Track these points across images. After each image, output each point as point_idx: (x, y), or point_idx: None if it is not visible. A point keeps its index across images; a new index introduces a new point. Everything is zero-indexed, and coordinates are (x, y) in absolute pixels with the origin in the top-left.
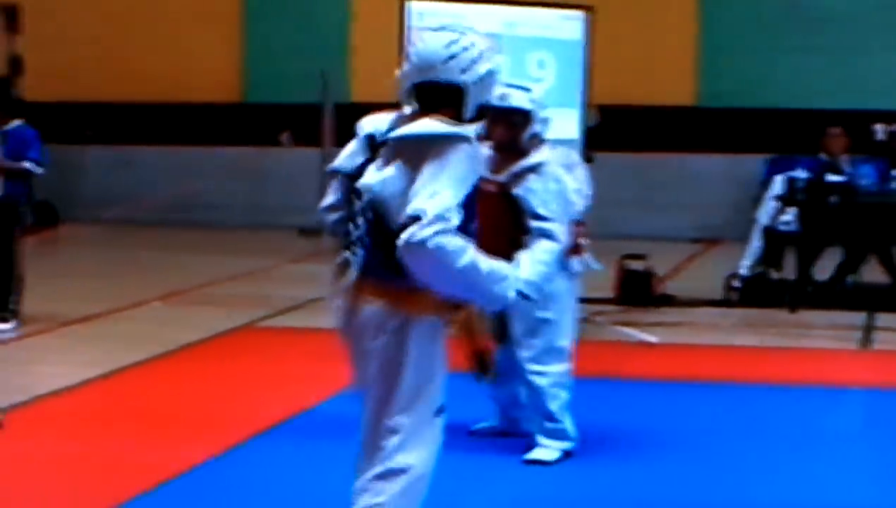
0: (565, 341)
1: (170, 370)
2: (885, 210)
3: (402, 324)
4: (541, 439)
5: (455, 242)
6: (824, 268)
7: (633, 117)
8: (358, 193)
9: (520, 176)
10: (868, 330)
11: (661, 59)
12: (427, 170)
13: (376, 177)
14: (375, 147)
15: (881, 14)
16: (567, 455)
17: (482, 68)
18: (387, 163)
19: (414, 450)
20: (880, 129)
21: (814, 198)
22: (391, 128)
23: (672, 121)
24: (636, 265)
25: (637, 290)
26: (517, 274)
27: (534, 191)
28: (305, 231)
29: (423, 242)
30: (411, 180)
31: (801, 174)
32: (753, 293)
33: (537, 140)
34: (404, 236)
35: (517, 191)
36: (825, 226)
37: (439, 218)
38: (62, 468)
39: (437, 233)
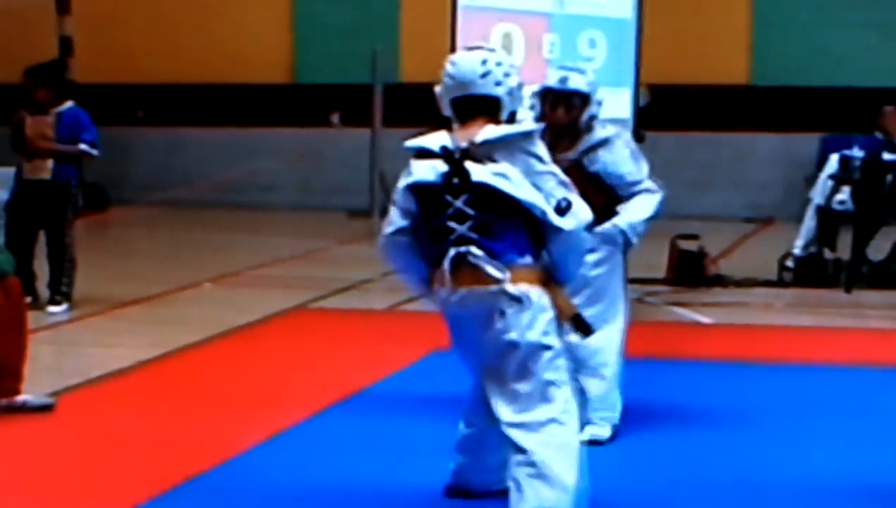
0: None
1: (223, 351)
2: None
3: (525, 297)
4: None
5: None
6: (879, 248)
7: (685, 96)
8: (455, 194)
9: (588, 153)
10: None
11: (714, 38)
12: (532, 161)
13: (486, 174)
14: (454, 156)
15: None
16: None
17: (513, 81)
18: (484, 163)
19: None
20: None
21: (869, 177)
22: (456, 141)
23: (725, 100)
24: (689, 245)
25: (690, 270)
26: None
27: (614, 163)
28: (355, 212)
29: (582, 226)
30: (515, 172)
31: (856, 153)
32: (807, 273)
33: (594, 121)
34: (569, 221)
35: (594, 169)
36: (880, 204)
37: (578, 199)
38: (117, 450)
39: (584, 215)
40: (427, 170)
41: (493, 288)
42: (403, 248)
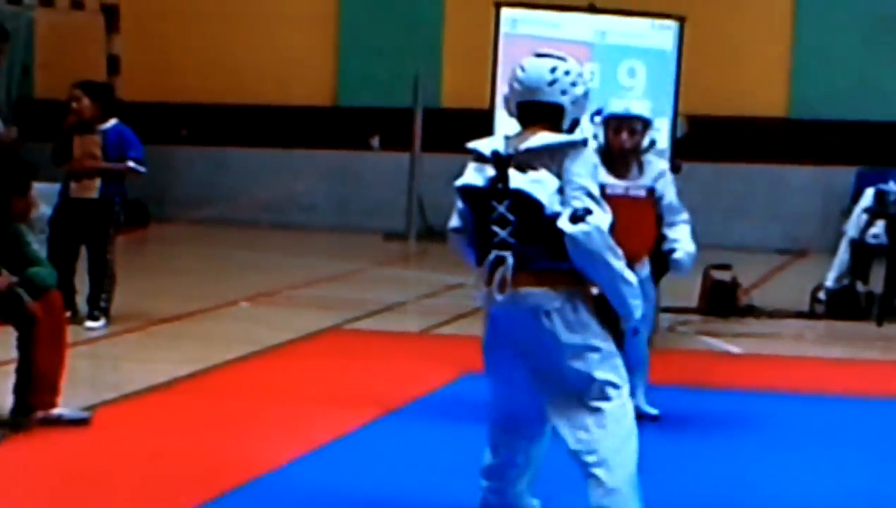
0: None
1: (258, 369)
2: None
3: (564, 302)
4: None
5: (611, 247)
6: None
7: (722, 127)
8: (499, 199)
9: (658, 180)
10: None
11: (753, 69)
12: (570, 172)
13: (523, 181)
14: (502, 161)
15: None
16: None
17: (579, 91)
18: (525, 170)
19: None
20: None
21: None
22: (508, 145)
23: (763, 131)
24: (722, 275)
25: (722, 300)
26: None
27: (668, 192)
28: (390, 235)
29: (593, 231)
30: (553, 181)
31: (892, 187)
32: (839, 305)
33: (653, 147)
34: (578, 227)
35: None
36: None
37: (600, 212)
38: (151, 464)
39: (599, 224)
40: (476, 174)
41: (536, 290)
42: (461, 244)
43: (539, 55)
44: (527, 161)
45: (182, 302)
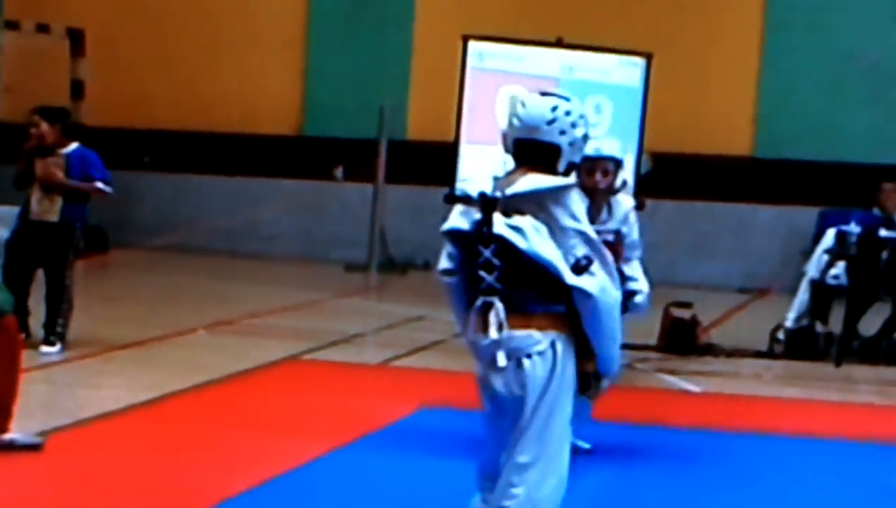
0: None
1: (213, 398)
2: None
3: (550, 345)
4: None
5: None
6: (871, 323)
7: (687, 165)
8: (485, 243)
9: (625, 222)
10: None
11: (719, 108)
12: (561, 218)
13: (506, 229)
14: (488, 204)
15: None
16: None
17: (578, 133)
18: (510, 215)
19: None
20: None
21: (865, 253)
22: (496, 187)
23: (727, 170)
24: (682, 313)
25: (682, 338)
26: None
27: (632, 230)
28: (351, 266)
29: (604, 288)
30: (544, 228)
31: (853, 228)
32: (798, 345)
33: (625, 186)
34: (586, 281)
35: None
36: (875, 280)
37: (601, 257)
38: (103, 491)
39: (604, 283)
40: (462, 218)
41: (519, 333)
42: (449, 288)
43: (543, 93)
44: (514, 205)
45: (140, 329)
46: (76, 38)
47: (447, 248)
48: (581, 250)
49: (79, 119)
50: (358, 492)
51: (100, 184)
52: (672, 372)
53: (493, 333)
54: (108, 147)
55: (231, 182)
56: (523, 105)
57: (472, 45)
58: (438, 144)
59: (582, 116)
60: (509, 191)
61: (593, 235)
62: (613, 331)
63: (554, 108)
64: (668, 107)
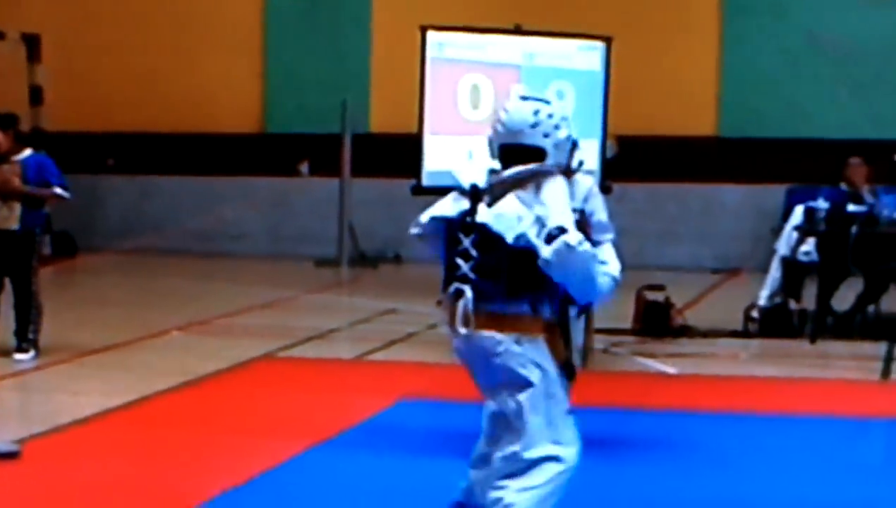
0: None
1: (190, 399)
2: None
3: (515, 344)
4: None
5: (590, 248)
6: (844, 299)
7: (652, 148)
8: (466, 232)
9: (587, 200)
10: (889, 360)
11: (683, 90)
12: (546, 196)
13: (489, 215)
14: (476, 194)
15: None
16: None
17: (561, 134)
18: (493, 203)
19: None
20: None
21: (834, 229)
22: (489, 181)
23: (693, 151)
24: (655, 296)
25: (656, 321)
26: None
27: (596, 210)
28: (322, 262)
29: (573, 247)
30: (524, 207)
31: (821, 204)
32: (772, 324)
33: (581, 166)
34: (556, 244)
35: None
36: (845, 256)
37: (576, 230)
38: (84, 497)
39: (580, 242)
40: (454, 204)
41: (486, 333)
42: (428, 246)
43: (523, 98)
44: (500, 193)
45: (112, 333)
46: (32, 44)
47: (428, 227)
48: (553, 223)
49: (39, 124)
50: (340, 489)
51: (58, 190)
52: (648, 355)
53: (460, 328)
54: (71, 151)
55: (196, 182)
56: (506, 111)
57: (430, 35)
58: (402, 136)
59: (564, 118)
60: (496, 179)
61: (569, 215)
62: (592, 287)
63: (536, 112)
64: (631, 91)
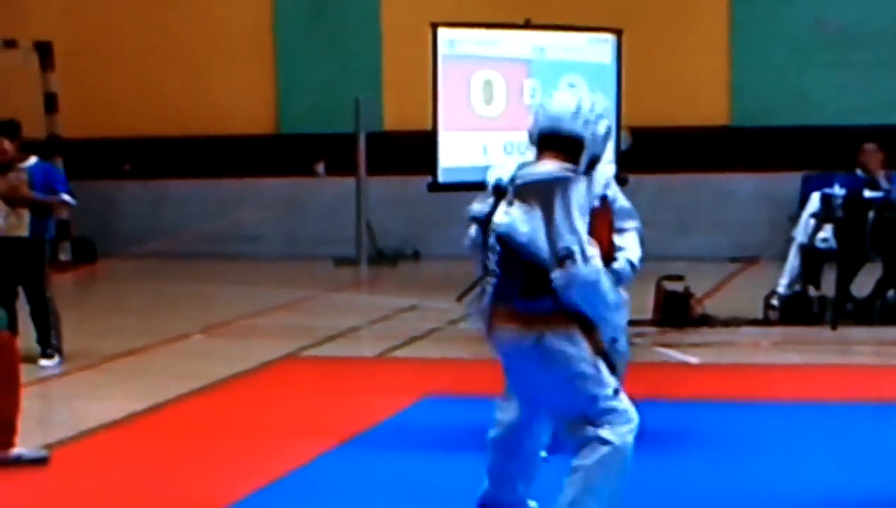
0: None
1: (215, 402)
2: None
3: (535, 341)
4: None
5: (600, 272)
6: (863, 285)
7: (666, 139)
8: (491, 231)
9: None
10: None
11: (693, 80)
12: (559, 208)
13: (503, 217)
14: (500, 192)
15: None
16: None
17: (601, 127)
18: (511, 204)
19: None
20: None
21: (851, 215)
22: (515, 175)
23: (706, 141)
24: (675, 286)
25: (676, 311)
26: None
27: (617, 197)
28: (340, 261)
29: (577, 275)
30: (538, 217)
31: (837, 191)
32: (793, 311)
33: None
34: (562, 270)
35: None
36: (863, 242)
37: (584, 252)
38: (111, 502)
39: (587, 265)
40: (486, 203)
41: (508, 326)
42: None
43: (571, 86)
44: (522, 194)
45: (135, 338)
46: (44, 52)
47: (473, 234)
48: (563, 241)
49: (55, 131)
50: (367, 488)
51: (65, 197)
52: (669, 346)
53: (482, 324)
54: (87, 158)
55: (212, 185)
56: (550, 98)
57: (441, 32)
58: (416, 134)
59: (608, 109)
60: (519, 181)
61: (581, 226)
62: (600, 303)
63: (578, 101)
64: (643, 83)
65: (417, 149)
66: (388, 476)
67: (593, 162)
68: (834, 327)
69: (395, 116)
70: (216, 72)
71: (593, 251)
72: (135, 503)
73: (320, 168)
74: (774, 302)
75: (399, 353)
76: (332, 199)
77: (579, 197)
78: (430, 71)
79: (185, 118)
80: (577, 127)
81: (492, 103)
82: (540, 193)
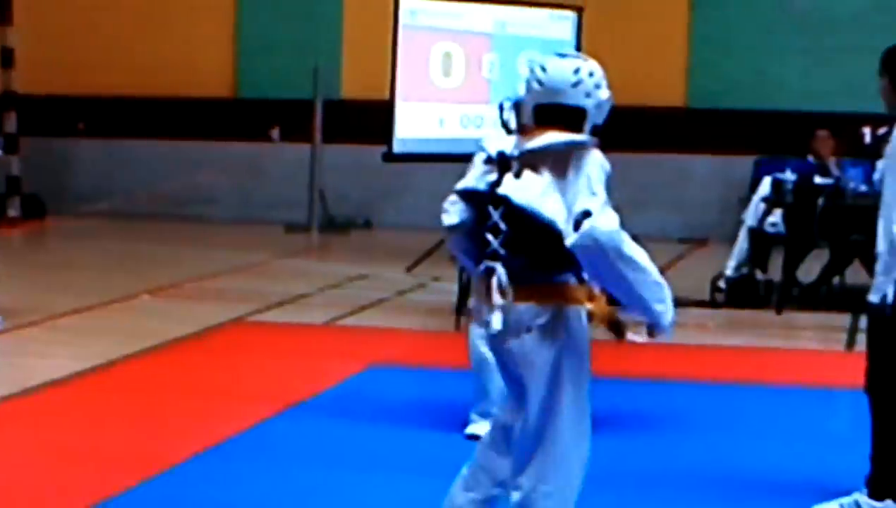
0: None
1: (160, 363)
2: (871, 213)
3: (553, 318)
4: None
5: (622, 235)
6: (810, 270)
7: (621, 117)
8: (495, 205)
9: None
10: (853, 331)
11: (652, 60)
12: (575, 175)
13: (517, 190)
14: (505, 163)
15: (871, 16)
16: None
17: (603, 94)
18: (518, 176)
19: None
20: (868, 132)
21: (801, 200)
22: (517, 146)
23: (664, 121)
24: None
25: None
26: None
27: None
28: (292, 227)
29: (600, 235)
30: (553, 185)
31: (788, 176)
32: (739, 294)
33: None
34: (582, 231)
35: None
36: (812, 227)
37: (606, 213)
38: (52, 461)
39: (609, 226)
40: (478, 178)
41: (521, 306)
42: (459, 246)
43: (561, 55)
44: (530, 163)
45: (82, 297)
46: (2, 6)
47: (459, 204)
48: (580, 205)
49: (10, 87)
50: (311, 452)
51: None
52: None
53: (496, 299)
54: (42, 114)
55: (167, 146)
56: (543, 69)
57: (403, 1)
58: (374, 103)
59: (604, 78)
60: (526, 146)
61: (602, 192)
62: (628, 280)
63: (577, 70)
64: (602, 61)
65: (374, 119)
66: (331, 444)
67: (594, 132)
68: (779, 311)
69: (354, 84)
70: (177, 30)
71: (612, 214)
72: (78, 460)
73: (275, 134)
74: (721, 284)
75: (347, 322)
76: (289, 165)
77: (597, 162)
78: (391, 40)
79: (143, 77)
80: (579, 98)
81: (450, 75)
82: (554, 160)
